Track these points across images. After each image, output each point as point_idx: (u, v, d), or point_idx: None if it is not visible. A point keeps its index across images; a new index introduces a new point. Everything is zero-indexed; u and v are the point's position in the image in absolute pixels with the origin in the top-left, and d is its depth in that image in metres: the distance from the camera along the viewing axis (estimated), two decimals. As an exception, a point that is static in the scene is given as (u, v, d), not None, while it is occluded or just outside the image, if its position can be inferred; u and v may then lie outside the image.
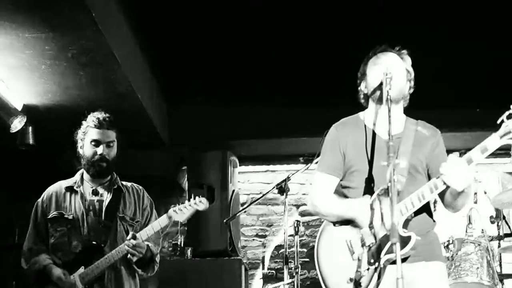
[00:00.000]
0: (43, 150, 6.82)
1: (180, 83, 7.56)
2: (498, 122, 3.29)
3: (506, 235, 6.32)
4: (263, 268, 7.98)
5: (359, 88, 3.81)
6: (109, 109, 6.55)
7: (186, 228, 7.48)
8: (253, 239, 8.56)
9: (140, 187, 4.83)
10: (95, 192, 4.63)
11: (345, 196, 3.75)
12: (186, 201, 4.53)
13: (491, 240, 6.09)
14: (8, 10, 4.74)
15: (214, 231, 7.20)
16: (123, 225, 4.59)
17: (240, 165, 8.14)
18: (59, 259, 4.46)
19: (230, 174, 7.60)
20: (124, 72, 5.86)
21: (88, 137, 4.58)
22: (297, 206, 8.39)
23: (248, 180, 8.69)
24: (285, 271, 6.31)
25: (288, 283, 6.33)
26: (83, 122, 4.66)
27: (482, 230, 6.26)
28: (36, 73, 5.82)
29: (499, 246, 6.15)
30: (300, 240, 6.37)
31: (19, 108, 6.33)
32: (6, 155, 7.22)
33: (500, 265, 6.28)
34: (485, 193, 6.67)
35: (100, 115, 4.65)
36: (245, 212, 8.08)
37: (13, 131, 6.31)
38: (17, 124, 6.27)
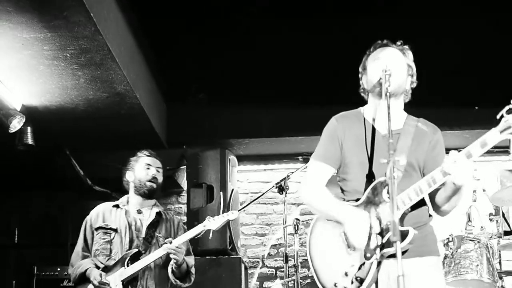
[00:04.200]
0: (41, 150, 6.82)
1: (179, 82, 7.56)
2: (498, 117, 3.27)
3: (506, 233, 6.33)
4: (262, 266, 7.99)
5: (360, 82, 3.82)
6: (107, 109, 6.62)
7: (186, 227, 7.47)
8: (253, 238, 8.57)
9: (179, 218, 5.54)
10: (139, 212, 5.26)
11: (341, 189, 3.75)
12: (221, 214, 5.31)
13: (491, 237, 6.10)
14: (6, 11, 4.74)
15: (214, 230, 7.19)
16: (158, 243, 5.12)
17: (239, 164, 8.15)
18: (101, 263, 5.03)
19: (229, 173, 7.61)
20: (122, 72, 5.85)
21: (141, 162, 5.34)
22: (297, 205, 8.40)
23: (247, 179, 8.68)
24: (285, 270, 6.32)
25: (288, 281, 6.34)
26: (131, 158, 5.45)
27: (482, 227, 6.28)
28: (35, 73, 5.81)
29: (498, 243, 6.16)
30: (300, 239, 6.35)
31: (18, 108, 6.32)
32: (5, 155, 7.21)
33: (500, 262, 6.29)
34: (484, 190, 6.68)
35: (149, 150, 5.48)
36: (244, 211, 8.08)
37: (12, 131, 6.30)
38: (16, 124, 6.26)
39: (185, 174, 7.99)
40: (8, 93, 6.12)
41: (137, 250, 5.02)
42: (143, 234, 5.14)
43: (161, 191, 5.44)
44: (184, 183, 8.22)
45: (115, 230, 5.12)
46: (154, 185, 5.29)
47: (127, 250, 5.04)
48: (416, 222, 3.49)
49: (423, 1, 6.31)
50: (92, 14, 4.88)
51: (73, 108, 6.58)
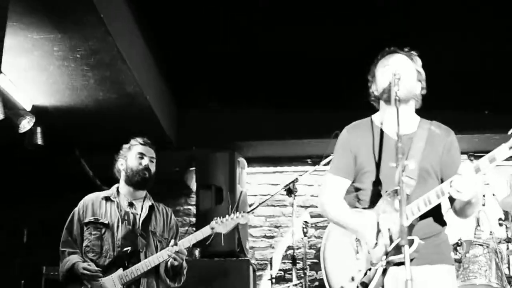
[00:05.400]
0: (51, 150, 6.84)
1: (189, 85, 7.57)
2: (509, 133, 3.27)
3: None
4: (271, 269, 7.99)
5: (370, 91, 3.81)
6: (117, 110, 6.64)
7: (195, 229, 7.48)
8: (261, 240, 8.56)
9: (169, 208, 5.20)
10: (130, 204, 4.96)
11: (357, 198, 3.75)
12: (229, 215, 4.92)
13: (500, 242, 6.08)
14: (17, 12, 4.75)
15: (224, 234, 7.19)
16: (153, 239, 4.91)
17: (248, 166, 8.14)
18: (90, 260, 4.77)
19: (238, 175, 7.60)
20: (132, 73, 5.87)
21: (134, 151, 5.04)
22: (305, 207, 8.39)
23: (256, 181, 8.69)
24: (294, 272, 6.32)
25: (296, 284, 6.34)
26: (124, 145, 5.14)
27: (491, 232, 6.25)
28: (45, 74, 5.83)
29: (507, 248, 6.13)
30: (308, 241, 6.35)
31: (28, 108, 6.35)
32: (15, 155, 7.24)
33: (509, 267, 6.26)
34: (494, 195, 6.65)
35: (143, 138, 5.13)
36: (253, 213, 8.08)
37: (22, 132, 6.33)
38: (25, 124, 6.29)
39: (194, 176, 7.99)
40: (18, 93, 6.15)
41: (132, 248, 4.77)
42: (138, 231, 4.85)
43: (153, 182, 5.06)
44: (193, 185, 8.23)
45: (107, 225, 4.83)
46: (147, 175, 4.98)
47: (119, 247, 4.77)
48: (426, 232, 3.49)
49: (434, 3, 6.28)
50: (102, 15, 4.90)
51: (83, 109, 6.60)
